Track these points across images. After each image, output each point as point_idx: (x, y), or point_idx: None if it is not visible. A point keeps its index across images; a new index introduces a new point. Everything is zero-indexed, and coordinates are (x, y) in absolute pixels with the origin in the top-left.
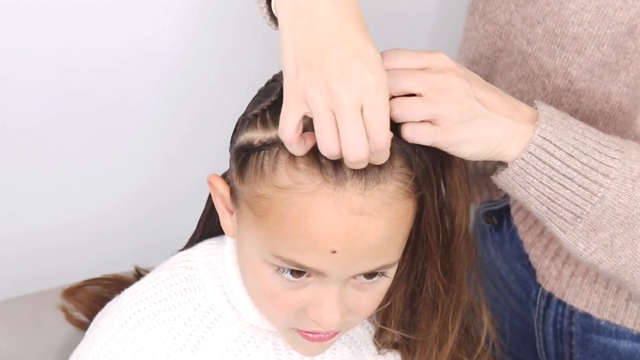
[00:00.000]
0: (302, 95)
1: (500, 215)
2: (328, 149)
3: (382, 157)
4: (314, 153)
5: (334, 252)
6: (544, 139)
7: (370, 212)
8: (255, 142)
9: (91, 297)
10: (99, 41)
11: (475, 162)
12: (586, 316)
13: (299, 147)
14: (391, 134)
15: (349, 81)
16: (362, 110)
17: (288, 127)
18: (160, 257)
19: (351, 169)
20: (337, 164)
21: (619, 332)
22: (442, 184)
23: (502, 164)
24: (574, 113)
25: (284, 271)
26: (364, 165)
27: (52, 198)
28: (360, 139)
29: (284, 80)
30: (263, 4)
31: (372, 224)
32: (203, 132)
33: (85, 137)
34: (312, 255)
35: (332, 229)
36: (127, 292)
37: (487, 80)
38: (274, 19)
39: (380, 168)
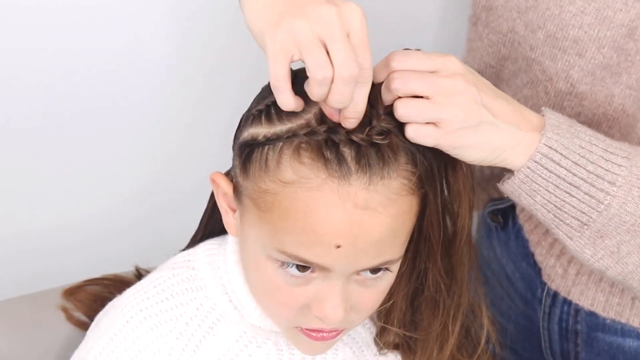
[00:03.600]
0: (287, 34)
1: (506, 214)
2: (323, 73)
3: (366, 81)
4: (318, 147)
5: (339, 246)
6: (550, 147)
7: (374, 207)
8: (260, 137)
9: (91, 297)
10: (99, 41)
11: (482, 168)
12: (592, 315)
13: (291, 96)
14: (371, 60)
15: (338, 7)
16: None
17: (279, 71)
18: (161, 257)
19: (356, 164)
20: (341, 158)
21: (624, 331)
22: (445, 184)
23: (508, 172)
24: (577, 117)
25: (288, 266)
26: (349, 94)
27: (52, 198)
28: (352, 56)
29: (264, 40)
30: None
31: (376, 219)
32: (203, 132)
33: (85, 137)
34: (317, 250)
35: (337, 223)
36: (129, 292)
37: None
38: None
39: (385, 164)
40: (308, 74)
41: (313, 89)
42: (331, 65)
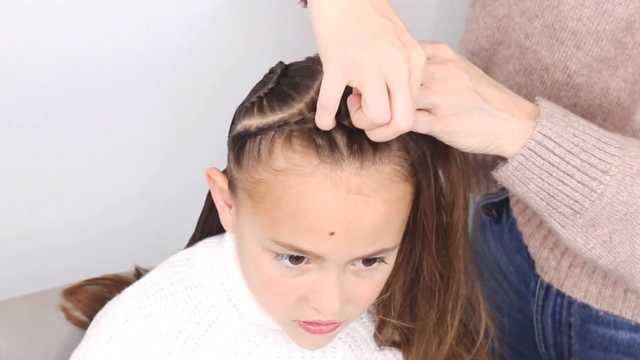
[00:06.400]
0: (353, 62)
1: (500, 207)
2: (381, 115)
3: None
4: (309, 134)
5: (332, 233)
6: (544, 135)
7: (367, 192)
8: (252, 128)
9: (91, 297)
10: (99, 41)
11: (475, 154)
12: (585, 307)
13: (332, 119)
14: None
15: (408, 52)
16: None
17: (334, 93)
18: (160, 257)
19: (348, 150)
20: (333, 144)
21: (617, 323)
22: (439, 174)
23: (502, 159)
24: (573, 107)
25: (283, 257)
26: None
27: (52, 198)
28: (412, 108)
29: (327, 53)
30: None
31: (370, 205)
32: (203, 132)
33: (85, 137)
34: (311, 238)
35: (330, 210)
36: (128, 291)
37: (485, 72)
38: None
39: (377, 149)
40: (364, 108)
41: (363, 123)
42: (390, 111)
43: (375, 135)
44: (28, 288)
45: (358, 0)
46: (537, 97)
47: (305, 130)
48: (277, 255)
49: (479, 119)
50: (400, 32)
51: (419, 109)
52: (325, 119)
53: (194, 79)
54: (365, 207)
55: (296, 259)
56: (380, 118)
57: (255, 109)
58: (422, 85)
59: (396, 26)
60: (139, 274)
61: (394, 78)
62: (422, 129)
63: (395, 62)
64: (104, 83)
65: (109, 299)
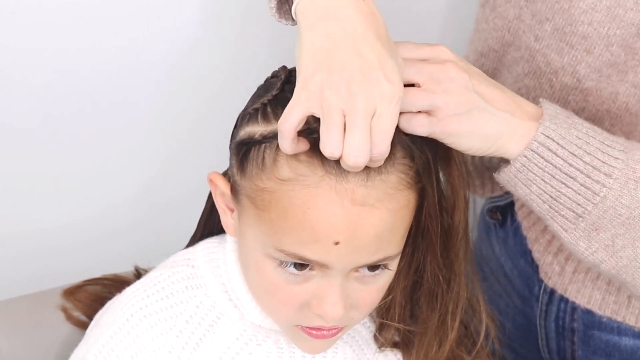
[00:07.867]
0: (316, 93)
1: (505, 211)
2: (331, 151)
3: (377, 164)
4: (315, 145)
5: (337, 243)
6: (547, 137)
7: (372, 203)
8: (256, 136)
9: (91, 297)
10: (99, 41)
11: (481, 156)
12: (588, 312)
13: (291, 144)
14: (389, 148)
15: (369, 87)
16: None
17: (291, 120)
18: (160, 257)
19: None
20: None
21: (620, 329)
22: (440, 177)
23: (505, 162)
24: (581, 112)
25: (287, 265)
26: (359, 170)
27: (52, 198)
28: (365, 146)
29: (297, 76)
30: (273, 3)
31: (375, 215)
32: (203, 132)
33: (85, 137)
34: (315, 247)
35: (335, 220)
36: (129, 291)
37: (494, 74)
38: (284, 17)
39: None
40: (322, 139)
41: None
42: (342, 146)
43: (345, 166)
44: (28, 288)
45: (333, 37)
46: (540, 99)
47: (311, 140)
48: (281, 262)
49: (479, 119)
50: (367, 69)
51: (419, 112)
52: (283, 144)
53: (194, 80)
54: (370, 217)
55: (300, 266)
56: (328, 152)
57: (259, 116)
58: (420, 86)
59: (365, 62)
60: (139, 274)
61: (348, 114)
62: (422, 131)
63: (350, 99)
64: (104, 83)
65: (109, 299)
